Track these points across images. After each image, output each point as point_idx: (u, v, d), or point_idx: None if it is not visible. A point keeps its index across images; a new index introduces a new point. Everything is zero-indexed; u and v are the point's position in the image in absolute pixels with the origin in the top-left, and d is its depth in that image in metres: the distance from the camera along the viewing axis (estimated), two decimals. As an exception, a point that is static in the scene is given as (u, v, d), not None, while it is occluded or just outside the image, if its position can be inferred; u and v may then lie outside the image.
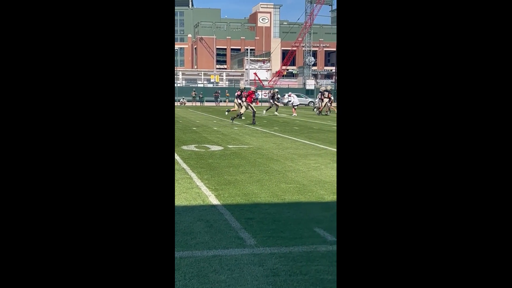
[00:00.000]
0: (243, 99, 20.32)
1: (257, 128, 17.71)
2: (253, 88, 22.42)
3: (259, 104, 49.92)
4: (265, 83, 67.47)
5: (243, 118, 21.33)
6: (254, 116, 19.87)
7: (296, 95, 33.56)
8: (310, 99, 53.37)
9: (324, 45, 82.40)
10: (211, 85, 62.18)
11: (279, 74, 73.52)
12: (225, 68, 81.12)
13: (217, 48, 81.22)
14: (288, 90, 38.11)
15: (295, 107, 28.35)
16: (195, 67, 79.94)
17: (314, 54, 78.76)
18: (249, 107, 20.02)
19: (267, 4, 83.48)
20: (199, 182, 6.89)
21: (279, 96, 27.80)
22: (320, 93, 29.16)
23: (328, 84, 45.50)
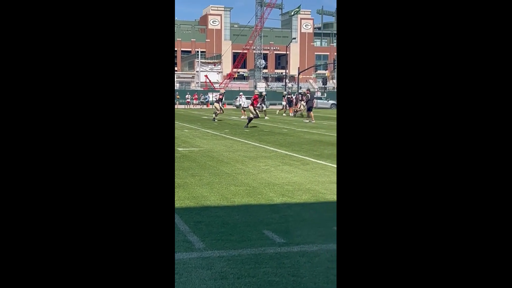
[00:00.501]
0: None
1: (207, 130, 17.66)
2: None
3: (210, 106, 49.71)
4: (216, 85, 67.34)
5: (219, 116, 23.61)
6: (250, 120, 20.26)
7: (246, 98, 33.72)
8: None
9: (274, 48, 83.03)
10: (161, 87, 61.35)
11: (230, 77, 73.55)
12: (176, 70, 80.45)
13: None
14: (239, 92, 38.40)
15: (244, 109, 28.54)
16: (145, 69, 78.64)
17: (265, 57, 79.24)
18: (254, 110, 20.39)
19: (217, 7, 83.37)
20: (147, 186, 6.79)
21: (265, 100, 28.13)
22: (300, 95, 29.96)
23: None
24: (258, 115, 20.55)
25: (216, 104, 24.78)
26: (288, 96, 33.47)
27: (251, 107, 20.66)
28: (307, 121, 24.01)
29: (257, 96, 21.60)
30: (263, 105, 27.67)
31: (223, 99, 25.54)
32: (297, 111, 29.69)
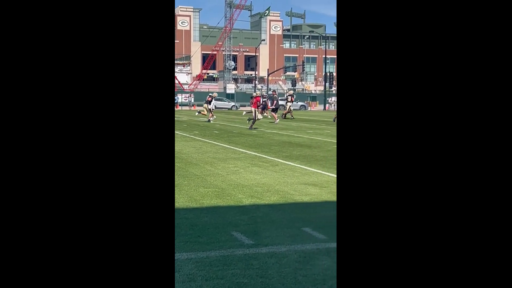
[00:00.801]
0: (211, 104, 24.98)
1: (176, 132, 17.55)
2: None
3: (179, 107, 49.41)
4: (186, 86, 67.01)
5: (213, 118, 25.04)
6: (253, 122, 20.11)
7: (216, 99, 33.66)
8: (232, 103, 53.55)
9: (244, 49, 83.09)
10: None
11: (199, 78, 73.29)
12: (144, 71, 79.49)
13: (135, 51, 79.38)
14: (208, 93, 38.32)
15: (212, 110, 28.56)
16: (113, 69, 77.65)
17: (234, 59, 79.28)
18: (256, 112, 20.31)
19: (186, 8, 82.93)
20: (115, 188, 6.70)
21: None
22: (290, 96, 29.86)
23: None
24: (255, 118, 20.31)
25: (205, 105, 25.77)
26: (264, 99, 33.27)
27: (253, 108, 20.47)
28: (276, 122, 24.12)
29: (259, 97, 21.11)
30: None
31: (212, 101, 26.28)
32: (285, 113, 29.67)
